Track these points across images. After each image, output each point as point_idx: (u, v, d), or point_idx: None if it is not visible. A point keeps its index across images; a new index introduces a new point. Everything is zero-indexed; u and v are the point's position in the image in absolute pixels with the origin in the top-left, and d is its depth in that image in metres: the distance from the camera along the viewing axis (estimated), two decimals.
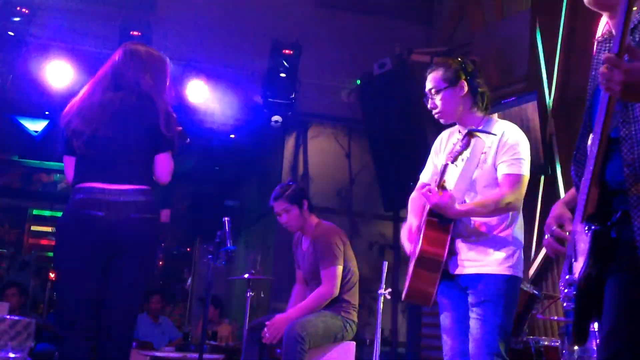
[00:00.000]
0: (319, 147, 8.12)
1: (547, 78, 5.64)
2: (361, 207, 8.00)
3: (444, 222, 3.09)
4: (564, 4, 5.50)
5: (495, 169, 3.09)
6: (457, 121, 3.25)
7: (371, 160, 7.34)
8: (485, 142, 3.10)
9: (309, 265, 4.72)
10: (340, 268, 4.60)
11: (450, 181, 3.10)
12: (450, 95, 3.17)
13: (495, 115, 3.30)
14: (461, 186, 3.12)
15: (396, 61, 6.64)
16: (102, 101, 3.25)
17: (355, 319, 4.69)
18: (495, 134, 3.13)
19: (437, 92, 3.18)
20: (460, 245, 3.13)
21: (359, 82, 7.09)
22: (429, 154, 3.40)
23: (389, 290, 4.30)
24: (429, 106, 3.24)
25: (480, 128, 3.14)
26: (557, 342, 4.13)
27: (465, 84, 3.16)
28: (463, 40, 6.92)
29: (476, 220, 3.11)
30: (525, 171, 3.09)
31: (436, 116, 3.23)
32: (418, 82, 6.41)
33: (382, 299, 4.36)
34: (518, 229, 3.15)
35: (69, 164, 3.32)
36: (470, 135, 3.03)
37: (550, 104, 5.54)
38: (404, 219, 8.29)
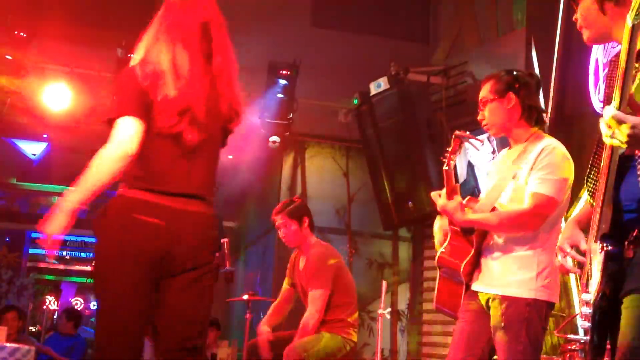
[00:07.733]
0: (317, 166, 8.12)
1: (544, 95, 5.66)
2: (359, 226, 7.98)
3: (466, 232, 3.04)
4: (559, 22, 5.53)
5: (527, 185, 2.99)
6: (506, 135, 3.17)
7: (369, 180, 7.34)
8: (524, 156, 3.02)
9: (305, 286, 4.69)
10: (325, 292, 4.51)
11: (484, 190, 3.08)
12: (497, 107, 3.10)
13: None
14: (491, 197, 3.06)
15: (393, 80, 6.65)
16: None
17: (355, 339, 4.66)
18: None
19: (485, 103, 3.13)
20: (484, 261, 3.03)
21: (356, 101, 7.10)
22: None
23: (389, 309, 4.28)
24: (478, 117, 3.19)
25: (467, 133, 3.13)
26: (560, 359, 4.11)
27: (514, 97, 3.07)
28: (459, 59, 6.96)
29: (501, 235, 3.00)
30: (556, 193, 2.92)
31: (484, 128, 3.16)
32: (415, 101, 6.48)
33: (381, 319, 4.34)
34: (547, 249, 2.97)
35: None
36: (458, 139, 3.03)
37: (547, 121, 5.56)
38: (402, 239, 8.21)
